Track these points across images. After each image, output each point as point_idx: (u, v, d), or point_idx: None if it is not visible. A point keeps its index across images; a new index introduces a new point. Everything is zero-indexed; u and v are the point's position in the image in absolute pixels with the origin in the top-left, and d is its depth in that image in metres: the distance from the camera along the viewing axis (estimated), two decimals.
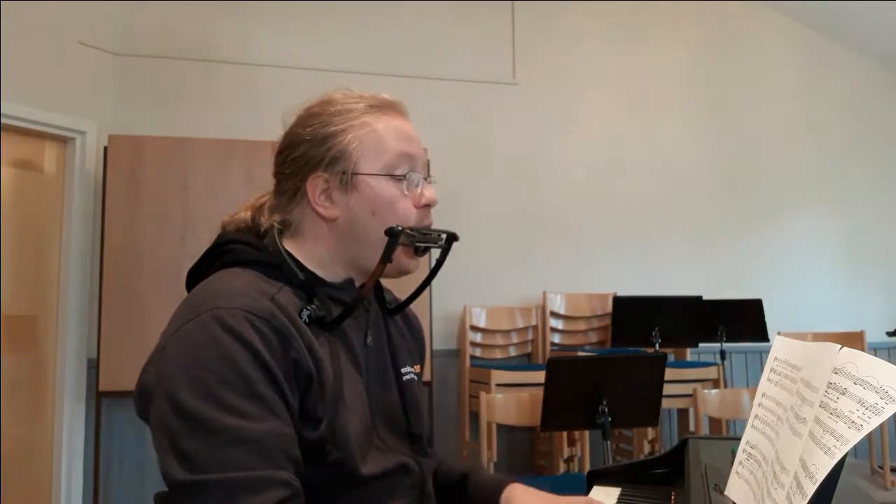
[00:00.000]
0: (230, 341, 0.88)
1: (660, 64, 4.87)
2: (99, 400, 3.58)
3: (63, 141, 3.71)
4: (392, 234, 1.01)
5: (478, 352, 4.24)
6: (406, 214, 1.04)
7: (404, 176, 1.04)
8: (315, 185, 1.03)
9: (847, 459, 0.64)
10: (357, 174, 1.02)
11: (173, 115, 3.98)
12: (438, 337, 4.17)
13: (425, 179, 1.08)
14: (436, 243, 1.07)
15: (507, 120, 4.55)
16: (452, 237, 1.09)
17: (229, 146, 3.73)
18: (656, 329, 3.76)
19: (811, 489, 0.64)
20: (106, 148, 3.63)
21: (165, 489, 1.01)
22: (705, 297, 3.93)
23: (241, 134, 3.85)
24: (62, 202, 3.69)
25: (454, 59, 4.51)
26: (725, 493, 0.88)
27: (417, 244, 1.05)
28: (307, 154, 1.04)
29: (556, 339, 4.39)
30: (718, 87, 4.95)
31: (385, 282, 1.16)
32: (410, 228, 1.03)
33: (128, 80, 3.94)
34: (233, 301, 0.91)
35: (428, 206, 1.07)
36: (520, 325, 4.32)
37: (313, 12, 4.29)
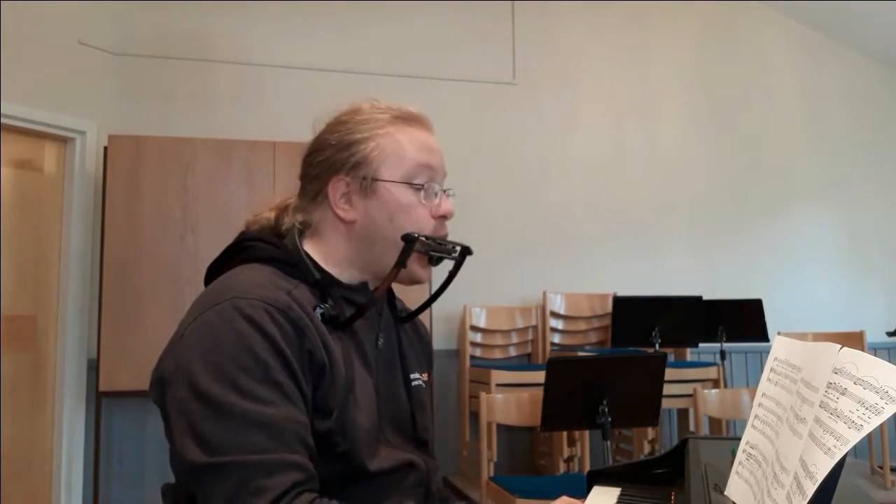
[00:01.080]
0: (249, 329, 0.91)
1: (659, 64, 4.87)
2: (99, 400, 3.58)
3: (63, 141, 3.71)
4: (408, 239, 1.04)
5: (478, 352, 4.24)
6: (423, 223, 1.07)
7: (423, 185, 1.07)
8: (336, 188, 1.07)
9: (847, 459, 0.64)
10: (377, 180, 1.06)
11: (173, 114, 3.98)
12: (438, 337, 4.18)
13: (444, 192, 1.11)
14: (449, 254, 1.10)
15: (507, 120, 4.55)
16: (466, 251, 1.11)
17: (229, 146, 3.73)
18: (656, 329, 3.76)
19: (811, 489, 0.64)
20: (106, 148, 3.63)
21: (171, 481, 1.02)
22: (705, 297, 3.93)
23: (240, 134, 3.85)
24: (62, 202, 3.69)
25: (454, 59, 4.51)
26: (725, 493, 0.88)
27: (432, 253, 1.08)
28: (331, 158, 1.07)
29: (556, 339, 4.38)
30: (718, 86, 4.95)
31: (396, 291, 1.17)
32: (426, 237, 1.06)
33: (128, 80, 3.94)
34: (252, 292, 0.95)
35: (444, 217, 1.10)
36: (520, 325, 4.32)
37: (313, 12, 4.29)
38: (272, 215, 1.14)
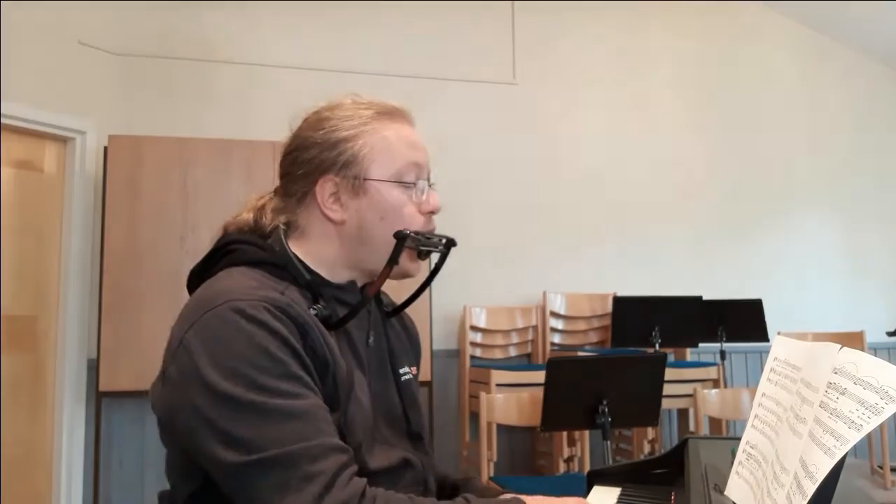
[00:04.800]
0: (257, 330, 0.90)
1: (660, 64, 4.87)
2: (99, 400, 3.57)
3: (63, 141, 3.71)
4: (400, 237, 1.04)
5: (478, 352, 4.24)
6: (412, 220, 1.07)
7: (413, 183, 1.07)
8: (325, 188, 1.05)
9: (847, 459, 0.64)
10: (368, 179, 1.05)
11: (173, 115, 3.98)
12: (438, 337, 4.17)
13: (430, 187, 1.10)
14: (437, 248, 1.10)
15: (507, 120, 4.55)
16: (451, 243, 1.12)
17: (229, 146, 3.73)
18: (656, 329, 3.75)
19: (811, 489, 0.64)
20: (106, 148, 3.63)
21: (167, 488, 1.02)
22: (705, 297, 3.93)
23: (241, 134, 3.85)
24: (62, 202, 3.69)
25: (454, 59, 4.50)
26: (725, 493, 0.88)
27: (421, 248, 1.08)
28: (318, 157, 1.05)
29: (556, 339, 4.38)
30: (718, 87, 4.95)
31: (384, 285, 1.17)
32: (416, 232, 1.06)
33: (128, 80, 3.94)
34: (249, 293, 0.94)
35: (432, 212, 1.10)
36: (520, 325, 4.32)
37: (313, 12, 4.29)
38: (250, 216, 1.11)
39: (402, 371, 1.16)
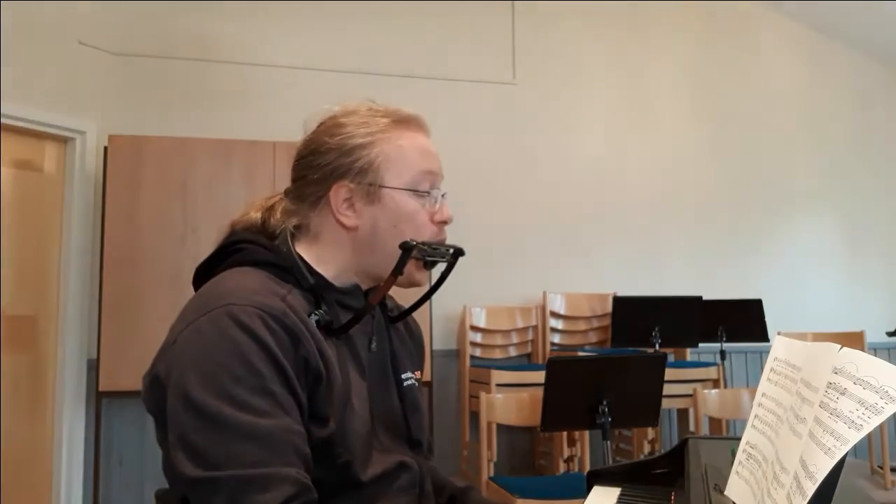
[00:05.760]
0: (243, 338, 0.89)
1: (660, 64, 4.87)
2: (99, 400, 3.58)
3: (63, 141, 3.71)
4: (406, 247, 1.04)
5: (478, 352, 4.24)
6: (425, 229, 1.07)
7: (427, 192, 1.07)
8: (339, 194, 1.05)
9: (847, 459, 0.64)
10: (383, 187, 1.05)
11: (173, 115, 3.98)
12: (438, 337, 4.17)
13: (442, 197, 1.10)
14: (443, 257, 1.10)
15: (507, 120, 4.55)
16: (459, 252, 1.11)
17: (229, 146, 3.73)
18: (656, 329, 3.76)
19: (811, 489, 0.64)
20: (106, 148, 3.63)
21: (166, 487, 1.02)
22: (705, 297, 3.93)
23: (241, 134, 3.85)
24: (62, 202, 3.69)
25: (454, 59, 4.50)
26: (725, 493, 0.88)
27: (427, 258, 1.07)
28: (334, 163, 1.06)
29: (556, 339, 4.38)
30: (718, 86, 4.95)
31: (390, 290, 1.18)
32: (423, 243, 1.06)
33: (128, 80, 3.94)
34: (246, 298, 0.93)
35: (444, 222, 1.10)
36: (520, 325, 4.32)
37: (313, 12, 4.29)
38: (258, 216, 1.12)
39: (404, 376, 1.15)
